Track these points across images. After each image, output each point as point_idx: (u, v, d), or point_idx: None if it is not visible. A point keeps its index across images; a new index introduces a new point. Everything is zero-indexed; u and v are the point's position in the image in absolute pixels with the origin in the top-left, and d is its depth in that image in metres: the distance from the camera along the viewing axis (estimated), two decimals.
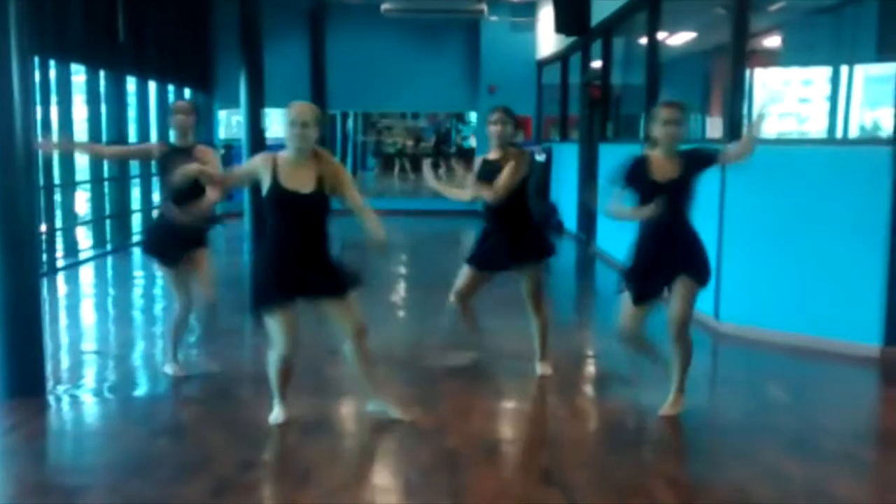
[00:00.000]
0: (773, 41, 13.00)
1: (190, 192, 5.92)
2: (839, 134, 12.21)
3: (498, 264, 6.30)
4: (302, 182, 4.95)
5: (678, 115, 5.27)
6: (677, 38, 13.50)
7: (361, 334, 5.23)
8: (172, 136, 6.32)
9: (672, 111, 5.26)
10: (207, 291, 6.33)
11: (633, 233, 5.45)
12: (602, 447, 5.27)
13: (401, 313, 9.19)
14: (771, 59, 13.15)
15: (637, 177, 5.30)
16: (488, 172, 6.13)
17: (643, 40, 10.88)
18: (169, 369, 6.49)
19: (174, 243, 6.16)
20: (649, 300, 5.41)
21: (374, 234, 5.07)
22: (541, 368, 6.47)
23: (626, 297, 5.42)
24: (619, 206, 5.39)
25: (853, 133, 11.85)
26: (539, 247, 6.34)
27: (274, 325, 5.09)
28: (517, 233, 6.17)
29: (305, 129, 4.91)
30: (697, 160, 5.35)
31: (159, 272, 6.38)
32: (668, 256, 5.32)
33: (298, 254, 5.04)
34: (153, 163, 6.45)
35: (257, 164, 5.07)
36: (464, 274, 6.40)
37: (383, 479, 4.86)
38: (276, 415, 5.39)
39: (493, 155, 6.22)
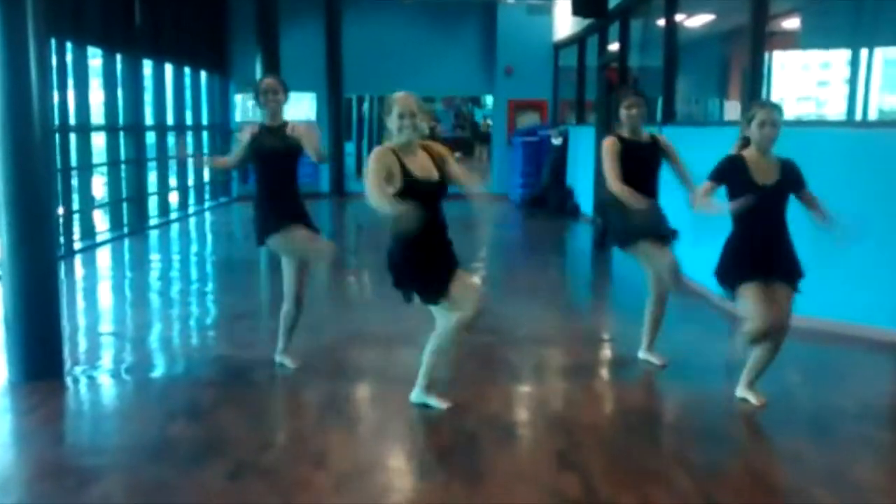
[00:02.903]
0: (792, 23, 12.90)
1: (287, 172, 5.99)
2: (858, 117, 12.12)
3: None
4: (428, 170, 5.00)
5: (776, 116, 5.16)
6: (695, 21, 13.41)
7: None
8: (263, 117, 6.11)
9: (770, 112, 5.16)
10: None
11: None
12: (619, 431, 5.26)
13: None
14: (790, 41, 13.06)
15: (734, 175, 5.21)
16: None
17: (661, 22, 10.81)
18: (283, 359, 6.32)
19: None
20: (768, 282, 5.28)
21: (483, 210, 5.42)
22: (658, 358, 6.36)
23: (746, 291, 5.24)
24: (709, 201, 5.28)
25: (872, 116, 11.76)
26: None
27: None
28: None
29: (414, 119, 4.92)
30: (796, 177, 5.25)
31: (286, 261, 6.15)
32: (765, 262, 5.24)
33: (434, 241, 5.08)
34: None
35: (387, 162, 4.92)
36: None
37: (400, 461, 4.86)
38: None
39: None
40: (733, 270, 5.30)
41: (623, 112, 6.17)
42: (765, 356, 5.40)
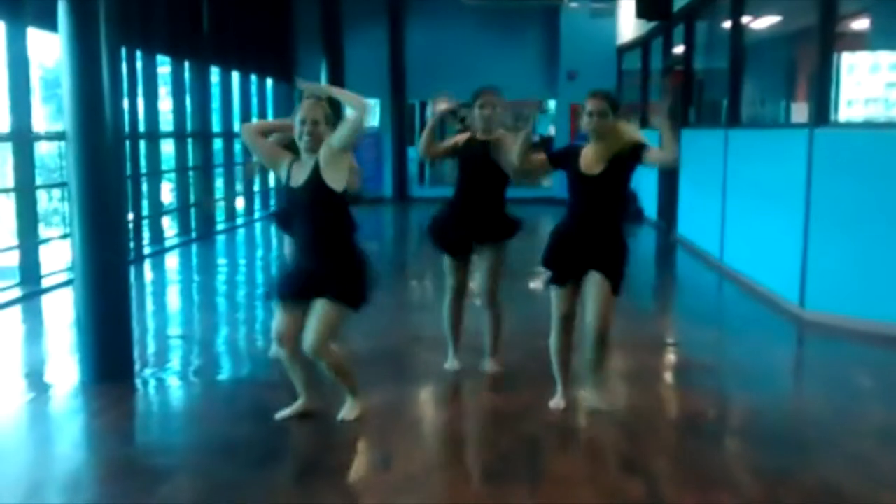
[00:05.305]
0: (861, 24, 12.67)
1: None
2: None
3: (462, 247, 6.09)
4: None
5: (602, 105, 5.07)
6: (762, 22, 13.24)
7: None
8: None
9: (595, 102, 5.08)
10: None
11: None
12: (684, 436, 5.21)
13: (477, 301, 9.17)
14: (859, 42, 12.83)
15: (566, 162, 5.24)
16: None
17: (727, 24, 10.70)
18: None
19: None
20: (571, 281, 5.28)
21: None
22: (491, 365, 6.23)
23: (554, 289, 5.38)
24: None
25: None
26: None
27: None
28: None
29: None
30: (629, 154, 5.07)
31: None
32: (582, 252, 5.18)
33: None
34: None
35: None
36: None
37: (463, 464, 4.87)
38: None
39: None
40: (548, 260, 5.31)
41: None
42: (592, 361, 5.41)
